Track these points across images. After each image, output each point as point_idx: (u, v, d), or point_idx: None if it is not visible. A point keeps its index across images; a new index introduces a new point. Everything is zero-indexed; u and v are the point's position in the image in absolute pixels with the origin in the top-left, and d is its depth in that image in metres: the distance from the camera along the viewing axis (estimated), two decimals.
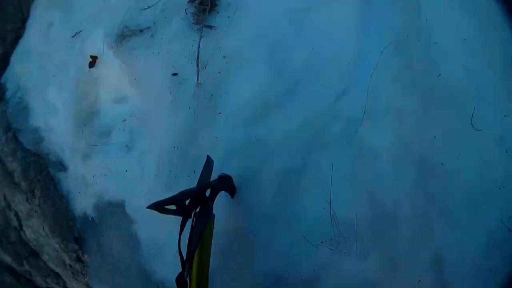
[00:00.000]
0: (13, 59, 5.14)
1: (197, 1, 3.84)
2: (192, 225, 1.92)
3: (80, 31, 4.56)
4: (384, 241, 2.59)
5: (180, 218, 1.90)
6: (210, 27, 3.57)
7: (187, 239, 1.81)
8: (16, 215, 4.20)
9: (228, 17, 3.59)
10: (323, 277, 2.67)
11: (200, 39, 3.45)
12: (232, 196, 2.67)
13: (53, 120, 4.29)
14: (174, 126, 3.33)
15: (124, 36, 3.96)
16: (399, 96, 2.75)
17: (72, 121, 4.08)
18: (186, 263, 1.73)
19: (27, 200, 4.03)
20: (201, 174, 2.28)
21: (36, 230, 4.01)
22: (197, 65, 3.32)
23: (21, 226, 4.16)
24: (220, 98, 3.03)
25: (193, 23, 3.67)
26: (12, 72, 4.99)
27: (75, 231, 3.78)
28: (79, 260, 3.76)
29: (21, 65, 4.96)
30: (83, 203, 3.81)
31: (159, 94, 3.54)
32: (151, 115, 3.61)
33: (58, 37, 4.78)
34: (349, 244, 2.60)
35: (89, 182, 3.76)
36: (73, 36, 4.61)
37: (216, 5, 3.80)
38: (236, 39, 3.41)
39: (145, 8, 4.05)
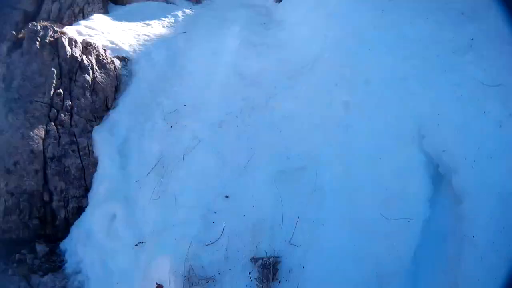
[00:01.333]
0: (75, 233, 6.04)
1: (259, 263, 4.71)
2: None
3: (144, 242, 5.46)
4: None
5: None
6: None
7: None
8: None
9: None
10: None
11: None
12: None
13: None
14: None
15: (191, 281, 4.74)
16: None
17: None
18: None
19: None
20: None
21: None
22: None
23: None
24: None
25: None
26: (74, 248, 5.82)
27: None
28: None
29: (83, 249, 5.77)
30: None
31: None
32: None
33: (121, 237, 5.71)
34: None
35: None
36: (136, 245, 5.49)
37: (277, 270, 4.67)
38: None
39: (208, 244, 4.95)
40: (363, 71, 6.07)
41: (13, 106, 6.38)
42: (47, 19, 15.32)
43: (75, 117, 7.18)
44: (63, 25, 15.02)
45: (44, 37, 7.47)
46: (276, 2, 20.42)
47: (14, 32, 7.44)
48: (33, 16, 15.73)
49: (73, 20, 15.89)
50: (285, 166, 5.65)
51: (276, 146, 6.07)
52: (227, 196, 5.54)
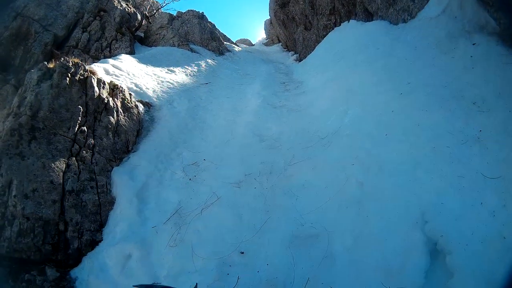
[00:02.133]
0: (87, 264, 6.28)
1: None
2: None
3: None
4: None
5: None
6: None
7: None
8: None
9: None
10: None
11: None
12: None
13: None
14: None
15: None
16: None
17: None
18: None
19: None
20: None
21: None
22: None
23: None
24: None
25: None
26: (86, 278, 6.01)
27: None
28: None
29: (95, 280, 5.97)
30: None
31: None
32: None
33: (135, 276, 5.90)
34: None
35: None
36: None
37: None
38: None
39: None
40: (378, 156, 6.62)
41: (37, 135, 6.82)
42: (75, 46, 16.31)
43: (96, 155, 7.73)
44: (90, 56, 15.92)
45: (74, 74, 8.14)
46: (296, 61, 21.42)
47: (45, 63, 7.96)
48: (62, 41, 16.73)
49: (100, 53, 16.98)
50: (299, 231, 6.05)
51: (291, 212, 6.50)
52: (242, 252, 6.02)
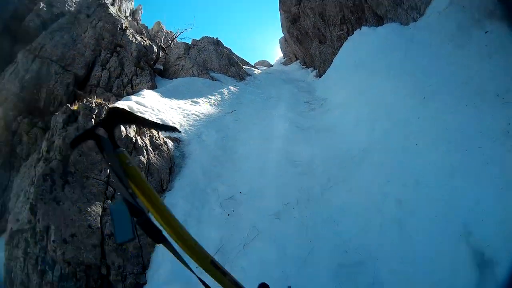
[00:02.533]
0: None
1: None
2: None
3: None
4: None
5: None
6: None
7: None
8: None
9: None
10: None
11: None
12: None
13: None
14: None
15: None
16: None
17: None
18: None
19: None
20: None
21: None
22: None
23: None
24: None
25: None
26: None
27: None
28: None
29: None
30: None
31: None
32: None
33: None
34: None
35: None
36: None
37: None
38: None
39: None
40: (413, 169, 6.61)
41: (70, 179, 7.04)
42: (97, 85, 16.82)
43: None
44: (113, 93, 16.26)
45: (99, 115, 8.43)
46: (316, 77, 21.50)
47: (69, 106, 8.36)
48: (84, 80, 17.35)
49: (122, 89, 17.46)
50: (344, 259, 6.04)
51: (334, 239, 6.51)
52: (289, 287, 5.77)
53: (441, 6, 9.26)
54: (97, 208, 6.99)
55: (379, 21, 14.06)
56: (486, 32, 7.49)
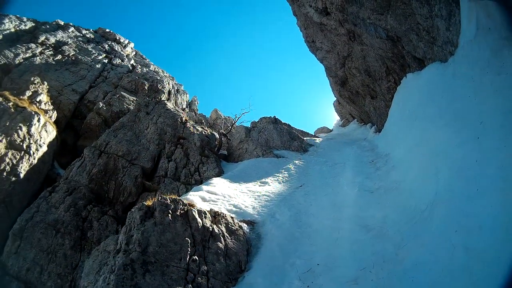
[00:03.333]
0: None
1: None
2: None
3: None
4: None
5: None
6: None
7: None
8: None
9: None
10: None
11: None
12: None
13: None
14: None
15: None
16: None
17: None
18: None
19: None
20: None
21: None
22: None
23: None
24: None
25: None
26: None
27: None
28: None
29: None
30: None
31: None
32: None
33: None
34: None
35: None
36: None
37: None
38: None
39: None
40: (476, 216, 6.91)
41: (150, 268, 7.74)
42: (165, 176, 18.00)
43: (212, 280, 8.43)
44: (181, 183, 17.29)
45: (175, 210, 9.29)
46: (376, 132, 21.88)
47: (145, 203, 9.23)
48: (151, 172, 18.50)
49: (190, 178, 18.59)
50: None
51: None
52: None
53: (471, 34, 9.77)
54: None
55: (421, 64, 14.66)
56: None
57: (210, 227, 9.57)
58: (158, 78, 35.06)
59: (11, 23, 28.98)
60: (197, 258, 8.47)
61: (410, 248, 8.00)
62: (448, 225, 7.44)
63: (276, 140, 22.92)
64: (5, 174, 15.81)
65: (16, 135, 17.00)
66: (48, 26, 32.61)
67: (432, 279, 6.63)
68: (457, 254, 6.55)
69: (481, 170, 7.51)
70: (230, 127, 29.12)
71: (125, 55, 38.03)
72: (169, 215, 8.88)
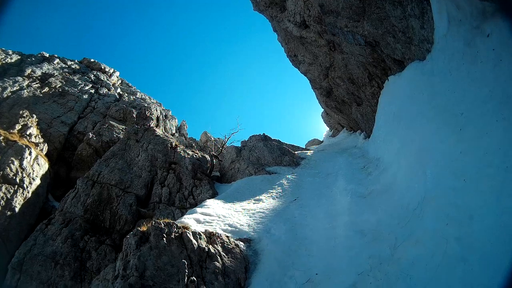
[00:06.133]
0: None
1: None
2: None
3: None
4: None
5: None
6: None
7: None
8: None
9: None
10: None
11: None
12: None
13: None
14: None
15: None
16: None
17: None
18: None
19: None
20: None
21: None
22: None
23: None
24: None
25: None
26: None
27: None
28: None
29: None
30: None
31: None
32: None
33: None
34: None
35: None
36: None
37: None
38: None
39: None
40: (465, 206, 7.06)
41: None
42: (159, 201, 18.04)
43: None
44: (176, 207, 17.35)
45: (169, 233, 9.33)
46: (365, 139, 22.17)
47: (139, 228, 9.30)
48: (145, 198, 18.62)
49: (184, 202, 18.66)
50: None
51: None
52: None
53: (444, 28, 9.99)
54: None
55: (401, 65, 14.86)
56: (488, 36, 8.10)
57: (205, 247, 9.58)
58: (146, 105, 35.22)
59: None
60: (195, 278, 8.44)
61: (405, 247, 8.07)
62: (440, 219, 7.55)
63: (267, 157, 22.99)
64: (0, 208, 15.81)
65: (8, 169, 17.00)
66: (33, 59, 32.95)
67: (429, 274, 6.70)
68: (451, 246, 6.64)
69: (467, 161, 7.67)
70: (220, 148, 29.29)
71: (111, 84, 38.17)
72: (164, 238, 8.92)
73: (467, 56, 8.82)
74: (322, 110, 38.41)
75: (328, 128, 40.73)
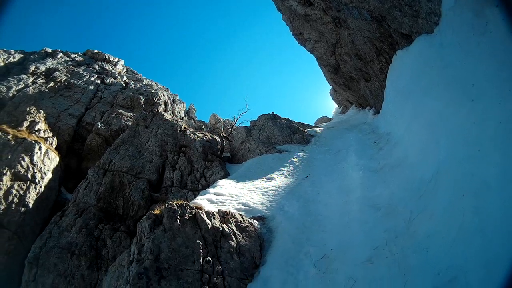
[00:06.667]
0: None
1: None
2: None
3: None
4: None
5: None
6: None
7: None
8: None
9: None
10: None
11: None
12: None
13: None
14: None
15: None
16: None
17: None
18: None
19: None
20: None
21: None
22: None
23: None
24: None
25: None
26: None
27: None
28: None
29: None
30: None
31: None
32: None
33: None
34: None
35: None
36: None
37: None
38: None
39: None
40: (481, 175, 6.88)
41: (165, 274, 7.82)
42: (171, 185, 18.03)
43: (228, 278, 8.46)
44: (188, 190, 17.37)
45: (182, 214, 9.34)
46: (375, 115, 21.91)
47: (152, 211, 9.35)
48: (157, 183, 18.66)
49: (196, 184, 18.73)
50: (438, 283, 6.12)
51: (425, 266, 6.75)
52: None
53: (451, 0, 9.84)
54: None
55: (409, 39, 14.59)
56: (497, 6, 7.91)
57: (219, 227, 9.60)
58: (153, 91, 35.05)
59: (0, 57, 29.25)
60: (210, 258, 8.51)
61: (421, 221, 7.96)
62: (455, 191, 7.38)
63: (277, 136, 22.81)
64: (13, 206, 15.89)
65: (19, 166, 17.13)
66: (36, 55, 32.86)
67: (446, 247, 6.57)
68: (467, 218, 6.49)
69: (480, 131, 7.46)
70: (230, 129, 29.12)
71: (116, 73, 38.04)
72: (178, 220, 8.93)
73: (476, 27, 8.58)
74: (330, 87, 38.06)
75: (336, 106, 40.42)
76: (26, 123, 20.83)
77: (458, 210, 6.86)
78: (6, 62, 29.44)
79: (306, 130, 25.04)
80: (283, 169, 16.87)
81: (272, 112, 25.87)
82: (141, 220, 9.22)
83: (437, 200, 7.96)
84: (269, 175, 16.15)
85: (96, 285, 12.92)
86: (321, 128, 27.25)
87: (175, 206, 9.37)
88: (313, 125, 31.32)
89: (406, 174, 10.44)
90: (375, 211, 9.79)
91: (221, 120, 40.52)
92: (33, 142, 18.99)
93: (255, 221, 11.05)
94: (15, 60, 30.60)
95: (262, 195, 13.38)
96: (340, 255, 8.66)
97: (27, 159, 17.82)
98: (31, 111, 22.03)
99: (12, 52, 31.49)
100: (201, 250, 8.57)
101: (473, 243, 6.07)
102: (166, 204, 9.45)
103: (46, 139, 21.08)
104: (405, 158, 11.48)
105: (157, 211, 9.25)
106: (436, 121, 9.85)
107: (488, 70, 7.86)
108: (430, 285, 6.23)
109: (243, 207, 12.04)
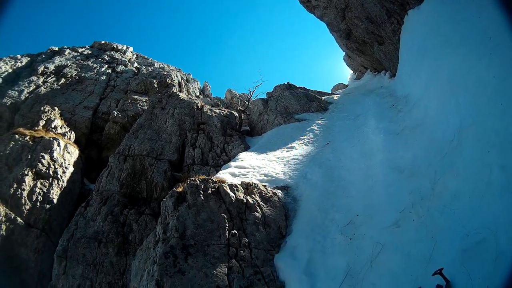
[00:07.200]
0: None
1: None
2: None
3: None
4: None
5: None
6: None
7: None
8: None
9: None
10: None
11: None
12: None
13: None
14: None
15: None
16: None
17: None
18: None
19: None
20: None
21: None
22: None
23: None
24: None
25: None
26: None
27: None
28: None
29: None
30: None
31: None
32: None
33: None
34: None
35: None
36: None
37: None
38: None
39: None
40: (506, 131, 6.71)
41: (191, 251, 7.87)
42: (193, 163, 18.09)
43: (254, 250, 8.48)
44: (210, 166, 17.48)
45: (205, 189, 9.36)
46: (391, 78, 21.56)
47: (175, 189, 9.42)
48: (179, 163, 18.75)
49: (218, 160, 18.85)
50: (466, 244, 5.97)
51: (453, 228, 6.55)
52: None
53: None
54: (222, 269, 7.72)
55: None
56: None
57: (244, 199, 9.60)
58: (165, 73, 35.05)
59: (7, 64, 29.45)
60: (236, 232, 8.57)
61: (446, 181, 7.80)
62: (480, 148, 7.20)
63: (294, 105, 22.60)
64: (38, 204, 16.29)
65: (40, 164, 17.49)
66: (44, 56, 33.18)
67: (474, 206, 6.42)
68: (494, 175, 6.32)
69: (501, 84, 7.21)
70: (246, 102, 28.98)
71: (127, 60, 38.10)
72: (201, 195, 8.96)
73: None
74: (344, 53, 37.49)
75: (351, 72, 39.74)
76: (42, 122, 21.22)
77: (484, 167, 6.68)
78: (14, 67, 29.72)
79: (323, 97, 24.72)
80: (303, 137, 16.78)
81: (288, 82, 25.54)
82: (165, 199, 9.29)
83: (462, 158, 7.77)
84: (290, 145, 16.12)
85: (125, 270, 13.05)
86: (338, 95, 26.86)
87: (198, 181, 9.40)
88: (330, 92, 31.02)
89: (428, 134, 10.24)
90: (399, 173, 9.65)
91: (237, 94, 40.27)
92: (51, 139, 19.40)
93: (278, 191, 11.02)
94: (23, 64, 30.85)
95: (284, 165, 13.37)
96: (367, 220, 8.61)
97: (47, 156, 18.19)
98: (46, 110, 22.29)
99: (19, 57, 31.76)
100: (227, 224, 8.61)
101: (501, 202, 5.92)
102: (188, 181, 9.47)
103: (63, 135, 21.42)
104: (425, 119, 11.25)
105: (179, 189, 9.29)
106: (454, 78, 9.56)
107: (505, 22, 7.51)
108: (459, 247, 6.07)
109: (265, 177, 12.04)
